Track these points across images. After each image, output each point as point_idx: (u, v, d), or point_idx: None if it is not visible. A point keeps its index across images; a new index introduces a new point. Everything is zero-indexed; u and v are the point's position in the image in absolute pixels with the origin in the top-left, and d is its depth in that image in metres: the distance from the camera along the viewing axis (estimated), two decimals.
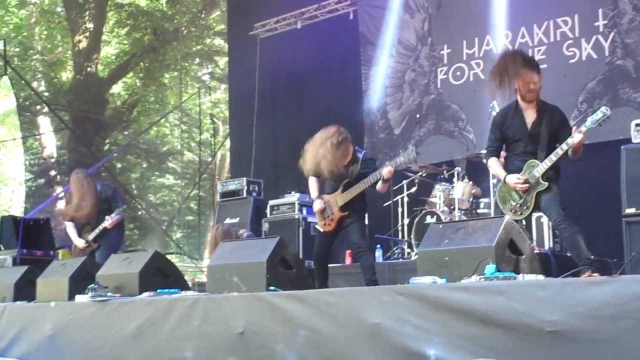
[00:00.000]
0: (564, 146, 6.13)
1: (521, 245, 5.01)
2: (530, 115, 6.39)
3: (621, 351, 3.71)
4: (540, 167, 6.22)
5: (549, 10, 10.18)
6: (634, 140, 7.24)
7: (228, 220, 10.78)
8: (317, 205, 7.39)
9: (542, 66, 9.82)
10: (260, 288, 5.65)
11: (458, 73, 11.11)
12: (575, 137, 6.05)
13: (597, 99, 9.61)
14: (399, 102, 11.77)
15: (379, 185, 7.22)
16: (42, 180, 23.03)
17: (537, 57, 10.06)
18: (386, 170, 7.04)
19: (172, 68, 23.61)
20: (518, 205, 6.36)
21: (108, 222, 8.76)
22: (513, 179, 6.32)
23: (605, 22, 9.66)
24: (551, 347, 3.92)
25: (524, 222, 6.52)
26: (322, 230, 7.43)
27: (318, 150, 7.21)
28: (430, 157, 10.66)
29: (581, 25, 9.89)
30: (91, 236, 8.87)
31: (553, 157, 6.18)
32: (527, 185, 6.24)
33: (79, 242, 8.92)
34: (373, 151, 11.06)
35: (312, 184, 7.56)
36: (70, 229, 9.04)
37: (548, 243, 8.51)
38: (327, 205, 7.33)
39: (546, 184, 6.20)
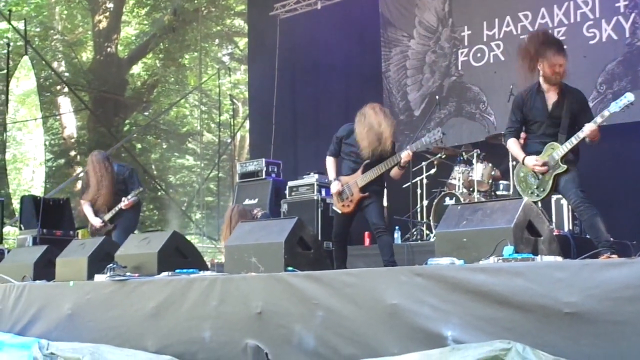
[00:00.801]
0: (581, 134, 6.10)
1: (540, 226, 4.98)
2: (551, 98, 6.35)
3: (639, 332, 3.69)
4: (560, 150, 6.19)
5: None
6: None
7: (247, 202, 10.81)
8: (335, 186, 7.39)
9: None
10: (278, 268, 5.65)
11: (479, 55, 11.04)
12: (586, 128, 6.03)
13: (616, 80, 9.54)
14: (419, 84, 11.72)
15: (394, 171, 7.23)
16: (62, 161, 23.15)
17: None
18: (405, 154, 7.04)
19: (192, 49, 23.62)
20: (535, 187, 6.34)
21: (124, 203, 8.77)
22: (532, 161, 6.29)
23: (626, 2, 9.57)
24: (569, 328, 3.90)
25: (539, 204, 6.50)
26: (339, 211, 7.43)
27: (377, 124, 7.19)
28: (452, 140, 10.62)
29: (602, 6, 9.81)
30: (107, 216, 8.90)
31: (573, 140, 6.15)
32: (545, 167, 6.22)
33: (96, 221, 8.95)
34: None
35: (330, 164, 7.55)
36: (87, 207, 9.06)
37: (567, 225, 8.48)
38: (346, 186, 7.32)
39: (565, 166, 6.18)
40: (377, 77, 12.17)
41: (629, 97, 6.01)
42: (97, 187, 8.83)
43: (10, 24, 18.34)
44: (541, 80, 6.37)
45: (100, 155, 8.98)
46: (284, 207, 10.54)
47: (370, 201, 7.26)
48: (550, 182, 6.26)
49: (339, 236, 7.54)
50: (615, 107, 6.02)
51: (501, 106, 9.91)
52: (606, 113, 6.03)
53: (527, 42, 6.47)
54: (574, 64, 9.27)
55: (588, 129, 6.04)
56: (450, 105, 11.26)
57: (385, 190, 7.71)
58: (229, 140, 20.93)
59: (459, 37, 11.30)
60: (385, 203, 7.81)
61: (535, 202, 6.15)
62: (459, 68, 11.27)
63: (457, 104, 11.20)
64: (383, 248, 7.19)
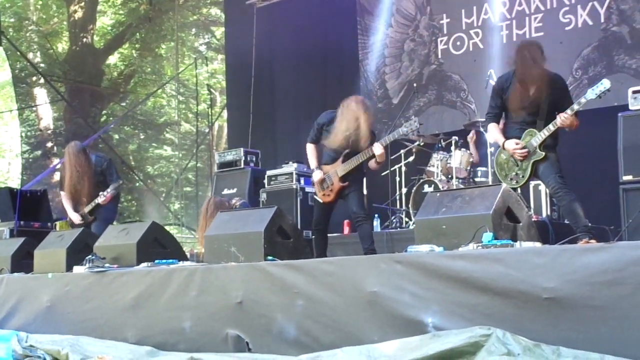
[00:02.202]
0: (558, 121, 6.13)
1: (518, 213, 5.01)
2: (531, 84, 6.37)
3: (618, 317, 3.72)
4: (538, 137, 6.23)
5: None
6: (631, 108, 7.22)
7: (226, 191, 10.77)
8: (317, 175, 7.40)
9: (538, 34, 9.97)
10: (258, 258, 5.65)
11: (458, 43, 11.05)
12: (561, 116, 6.07)
13: (592, 65, 9.61)
14: (397, 72, 11.71)
15: (370, 163, 7.26)
16: (39, 152, 22.96)
17: (533, 25, 10.09)
18: (377, 149, 7.07)
19: (169, 38, 23.46)
20: (514, 174, 6.38)
21: (102, 199, 8.68)
22: (512, 145, 6.33)
23: None
24: (549, 313, 3.92)
25: (519, 190, 6.53)
26: (321, 201, 7.43)
27: (354, 119, 7.18)
28: (433, 128, 10.66)
29: None
30: (86, 209, 8.82)
31: (551, 127, 6.19)
32: (525, 150, 6.25)
33: (75, 217, 8.86)
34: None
35: (311, 151, 7.55)
36: (66, 201, 8.98)
37: (546, 211, 8.53)
38: (327, 176, 7.34)
39: (543, 153, 6.22)
40: (355, 65, 12.16)
41: (605, 83, 6.03)
42: (74, 179, 8.75)
43: None
44: None
45: (76, 146, 8.87)
46: (263, 197, 10.51)
47: (350, 190, 7.28)
48: (529, 168, 6.30)
49: (319, 225, 7.54)
50: (591, 94, 6.05)
51: (481, 94, 9.93)
52: (583, 100, 6.07)
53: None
54: (551, 50, 9.30)
55: (562, 117, 6.07)
56: (430, 94, 11.27)
57: (364, 179, 7.71)
58: (206, 130, 20.84)
59: (438, 25, 11.30)
60: (364, 191, 7.81)
61: (515, 189, 6.18)
62: (439, 56, 11.28)
63: (438, 92, 11.21)
64: (363, 236, 7.21)
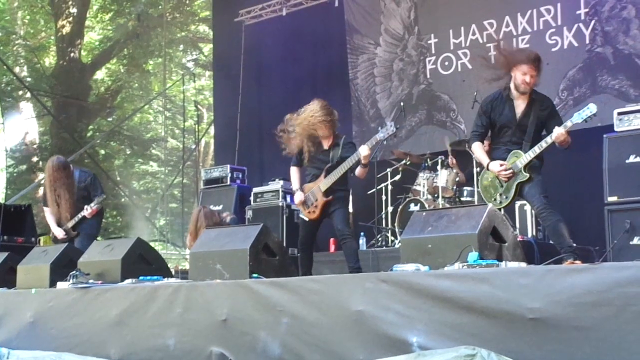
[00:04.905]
0: (549, 139, 6.17)
1: (504, 232, 5.02)
2: (520, 105, 6.41)
3: (602, 338, 3.73)
4: (524, 158, 6.25)
5: None
6: (616, 129, 7.27)
7: (212, 208, 10.75)
8: (298, 197, 7.41)
9: None
10: (243, 275, 5.64)
11: (446, 63, 11.07)
12: (555, 132, 6.08)
13: (577, 86, 9.66)
14: (388, 92, 11.71)
15: (358, 170, 7.22)
16: (24, 167, 22.90)
17: (520, 46, 10.11)
18: (364, 150, 7.02)
19: (156, 54, 23.48)
20: (498, 194, 6.40)
21: (87, 211, 8.61)
22: (496, 166, 6.34)
23: (587, 10, 9.68)
24: (533, 334, 3.93)
25: (502, 211, 6.55)
26: (306, 218, 7.42)
27: (306, 117, 7.22)
28: (424, 147, 10.65)
29: (563, 13, 9.92)
30: (70, 224, 8.76)
31: (537, 149, 6.22)
32: (510, 172, 6.27)
33: (58, 233, 8.79)
34: (363, 140, 10.98)
35: (294, 174, 7.58)
36: (49, 216, 8.91)
37: (531, 231, 8.55)
38: (310, 193, 7.33)
39: (528, 175, 6.24)
40: (344, 84, 12.15)
41: (591, 108, 6.06)
42: (55, 195, 8.69)
43: None
44: (512, 86, 6.43)
45: (57, 161, 8.77)
46: (249, 214, 10.50)
47: (335, 207, 7.27)
48: (513, 189, 6.32)
49: (305, 243, 7.53)
50: (577, 117, 6.08)
51: (471, 114, 9.93)
52: (569, 124, 6.10)
53: (505, 51, 6.53)
54: None
55: (557, 133, 6.07)
56: (420, 113, 11.27)
57: (350, 197, 7.71)
58: (193, 147, 20.83)
59: (426, 45, 11.33)
60: (350, 209, 7.81)
61: (499, 209, 6.19)
62: (428, 76, 11.28)
63: (428, 112, 11.21)
64: (348, 254, 7.20)
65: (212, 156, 19.37)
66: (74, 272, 6.62)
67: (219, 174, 11.37)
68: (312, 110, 7.26)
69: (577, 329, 3.81)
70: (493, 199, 6.43)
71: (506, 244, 4.99)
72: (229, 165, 11.45)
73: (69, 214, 8.73)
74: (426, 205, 9.01)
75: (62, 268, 7.07)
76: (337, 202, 7.28)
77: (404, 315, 4.42)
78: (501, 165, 6.32)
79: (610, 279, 3.78)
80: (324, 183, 7.24)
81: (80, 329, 6.28)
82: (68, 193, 8.69)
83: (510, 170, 6.29)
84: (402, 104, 10.83)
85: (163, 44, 20.37)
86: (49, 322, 6.57)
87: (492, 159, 6.46)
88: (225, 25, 14.18)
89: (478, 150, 6.61)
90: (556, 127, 6.11)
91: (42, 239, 10.83)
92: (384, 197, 9.93)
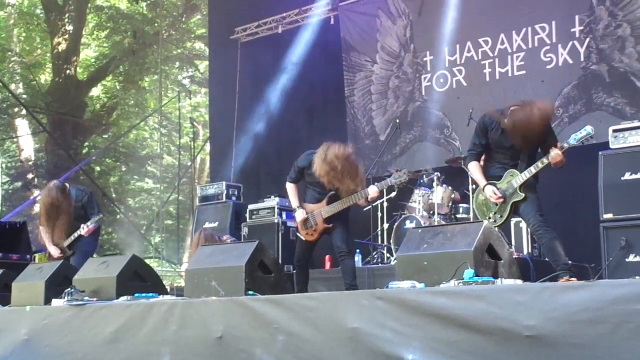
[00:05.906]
0: (545, 160, 6.17)
1: (500, 250, 5.02)
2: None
3: (598, 355, 3.72)
4: (519, 178, 6.26)
5: (527, 17, 10.21)
6: (611, 146, 7.29)
7: (207, 225, 10.73)
8: (300, 215, 7.35)
9: (520, 72, 10.07)
10: (239, 292, 5.63)
11: (441, 80, 11.09)
12: (552, 153, 6.09)
13: (572, 103, 9.68)
14: (383, 109, 11.72)
15: (361, 200, 7.25)
16: (19, 184, 22.87)
17: (515, 64, 10.17)
18: (373, 191, 7.06)
19: (152, 71, 23.53)
20: (492, 213, 6.40)
21: (84, 230, 8.56)
22: (490, 191, 6.33)
23: (582, 27, 9.71)
24: (529, 351, 3.92)
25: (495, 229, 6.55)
26: (304, 239, 7.41)
27: (340, 167, 7.07)
28: (418, 164, 10.64)
29: (558, 31, 9.94)
30: (66, 243, 8.72)
31: (532, 170, 6.23)
32: (502, 199, 6.27)
33: (54, 251, 8.74)
34: (358, 157, 11.04)
35: (291, 190, 7.53)
36: (45, 234, 8.87)
37: (527, 248, 8.55)
38: (310, 215, 7.30)
39: (523, 194, 6.24)
40: (340, 101, 12.15)
41: (588, 129, 6.08)
42: (53, 218, 8.64)
43: None
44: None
45: (56, 188, 8.67)
46: (245, 231, 10.49)
47: (336, 224, 7.24)
48: (508, 209, 6.33)
49: (301, 260, 7.51)
50: (573, 140, 6.10)
51: (465, 131, 9.95)
52: (565, 145, 6.11)
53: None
54: (532, 89, 9.53)
55: (554, 153, 6.07)
56: (415, 130, 11.28)
57: (349, 215, 7.70)
58: (189, 163, 20.84)
59: (422, 62, 11.35)
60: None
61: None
62: (423, 93, 11.30)
63: (422, 129, 11.21)
64: (345, 272, 7.18)
65: (208, 173, 19.36)
66: (69, 289, 6.60)
67: (215, 190, 11.36)
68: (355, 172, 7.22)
69: (573, 346, 3.80)
70: (487, 218, 6.43)
71: (502, 261, 4.99)
72: (224, 182, 11.45)
73: (65, 233, 8.70)
74: (422, 222, 9.00)
75: (57, 285, 7.05)
76: (338, 221, 7.26)
77: (399, 333, 4.41)
78: (494, 192, 6.30)
79: (606, 296, 3.79)
80: (326, 210, 7.21)
81: (75, 347, 6.25)
82: (66, 216, 8.65)
83: (502, 199, 6.28)
84: (397, 120, 10.84)
85: (159, 61, 20.40)
86: (43, 339, 6.55)
87: (487, 174, 6.46)
88: (221, 42, 14.21)
89: (475, 171, 6.59)
90: (553, 149, 6.11)
91: (37, 256, 10.80)
92: (379, 214, 9.91)
